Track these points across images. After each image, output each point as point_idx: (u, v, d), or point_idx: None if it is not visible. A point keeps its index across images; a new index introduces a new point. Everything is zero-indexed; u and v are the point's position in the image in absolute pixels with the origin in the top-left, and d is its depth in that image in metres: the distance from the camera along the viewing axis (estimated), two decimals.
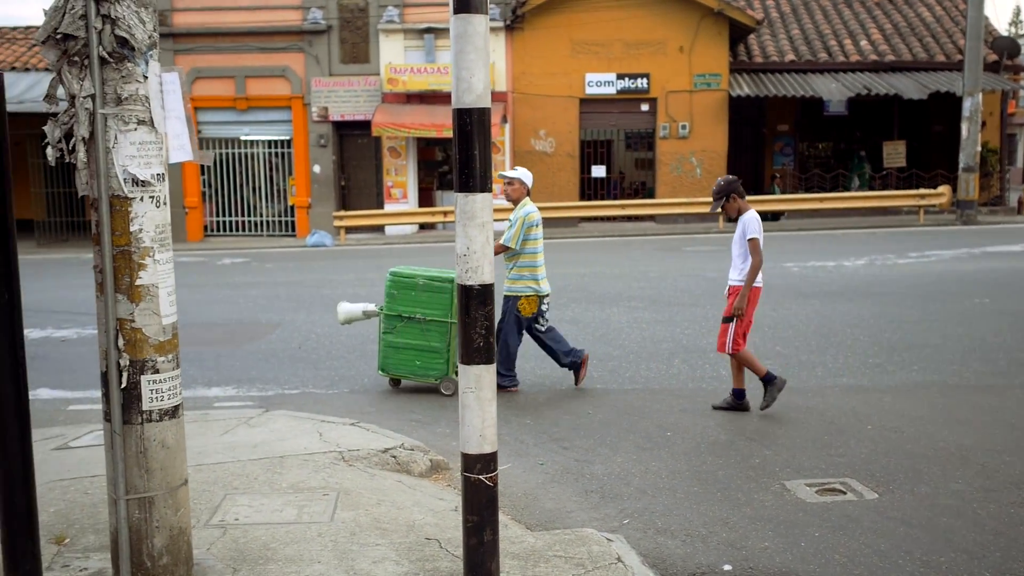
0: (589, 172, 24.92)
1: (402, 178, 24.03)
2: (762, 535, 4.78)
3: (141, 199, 3.38)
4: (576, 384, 8.22)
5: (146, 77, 3.34)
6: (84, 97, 3.26)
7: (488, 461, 3.36)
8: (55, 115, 3.39)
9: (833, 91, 23.41)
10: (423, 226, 24.29)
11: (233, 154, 24.53)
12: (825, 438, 6.45)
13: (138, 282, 3.40)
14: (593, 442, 6.52)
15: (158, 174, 3.43)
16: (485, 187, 3.24)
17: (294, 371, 9.11)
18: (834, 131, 26.70)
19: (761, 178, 26.47)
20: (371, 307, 8.51)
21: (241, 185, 24.84)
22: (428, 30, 23.41)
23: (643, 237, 22.30)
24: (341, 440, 6.12)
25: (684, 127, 24.17)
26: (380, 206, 24.36)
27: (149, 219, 3.41)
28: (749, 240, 6.97)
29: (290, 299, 13.69)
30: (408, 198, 24.07)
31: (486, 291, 3.29)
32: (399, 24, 23.58)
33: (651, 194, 25.22)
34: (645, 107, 24.31)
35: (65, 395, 8.40)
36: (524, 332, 8.21)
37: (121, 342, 3.41)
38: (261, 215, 25.22)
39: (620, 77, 23.98)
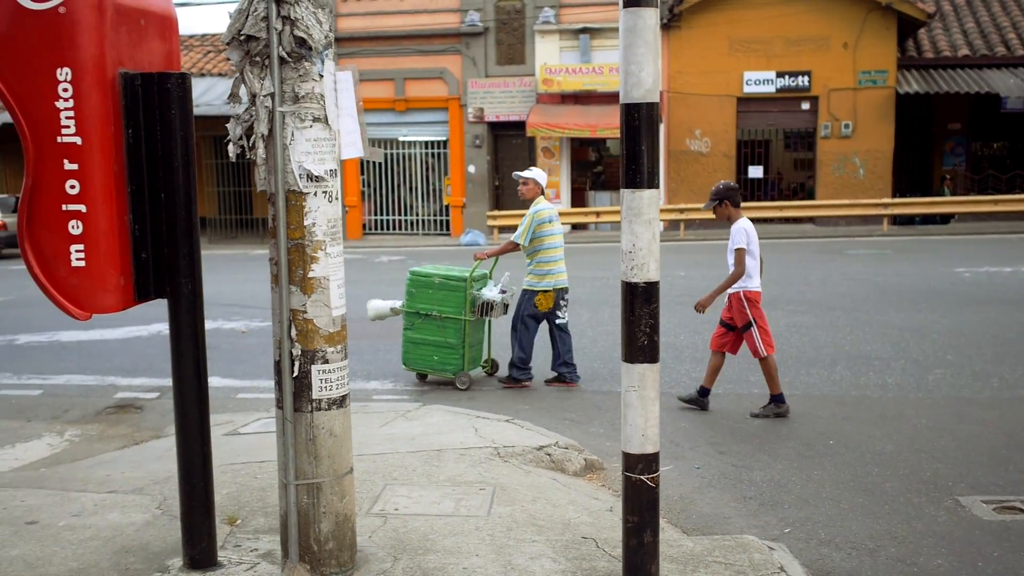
0: (745, 172, 24.36)
1: (555, 178, 24.09)
2: (935, 552, 4.54)
3: (315, 194, 3.49)
4: (547, 382, 8.50)
5: (322, 76, 3.44)
6: (264, 96, 3.39)
7: (650, 461, 3.31)
8: (233, 116, 3.54)
9: (1011, 87, 22.10)
10: (575, 226, 24.30)
11: (391, 154, 25.17)
12: (1003, 453, 6.07)
13: (310, 274, 3.51)
14: (751, 448, 6.35)
15: (331, 170, 3.53)
16: (652, 183, 3.19)
17: None
18: (1011, 129, 25.18)
19: (930, 179, 25.23)
20: (398, 304, 8.81)
21: (398, 185, 25.47)
22: (584, 30, 23.41)
23: (802, 240, 21.63)
24: (496, 436, 6.17)
25: (847, 126, 23.31)
26: None
27: (322, 213, 3.51)
28: (736, 250, 7.11)
29: None
30: (561, 198, 24.12)
31: (651, 289, 3.23)
32: (555, 25, 23.67)
33: (811, 195, 24.44)
34: (806, 105, 23.58)
35: (234, 384, 8.80)
36: (538, 325, 8.49)
37: (294, 332, 3.52)
38: (417, 214, 25.78)
39: (780, 75, 23.34)
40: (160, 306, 3.69)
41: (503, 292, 8.66)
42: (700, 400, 7.40)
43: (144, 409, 8.70)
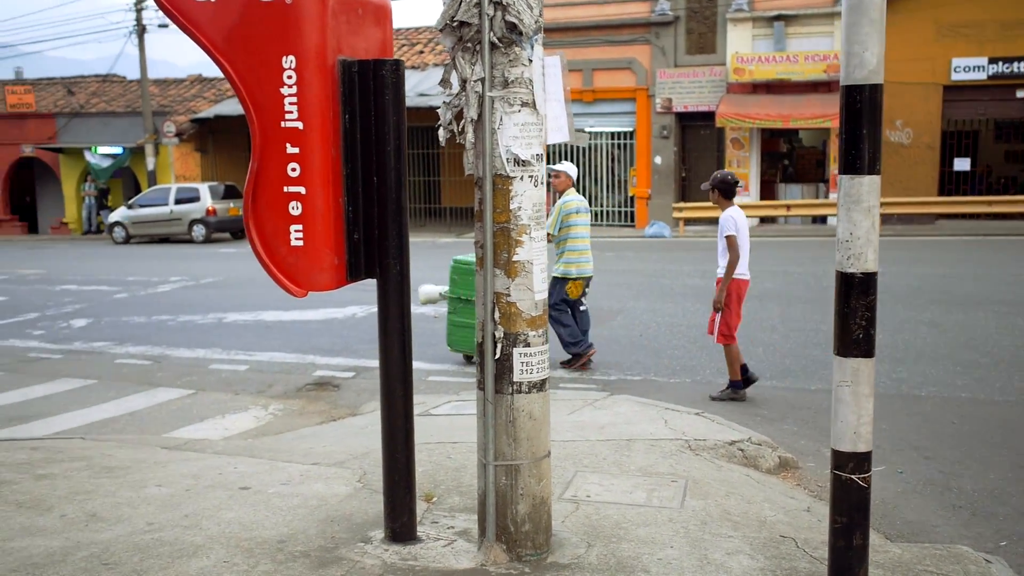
0: (950, 165, 23.01)
1: (744, 170, 23.51)
2: None
3: (521, 178, 3.51)
4: (563, 364, 8.78)
5: (531, 61, 3.46)
6: (475, 81, 3.44)
7: (861, 461, 3.15)
8: (444, 101, 3.61)
9: None
10: (763, 219, 23.64)
11: (578, 145, 25.23)
12: None
13: (515, 258, 3.54)
14: (960, 454, 5.98)
15: (537, 154, 3.55)
16: (873, 169, 3.03)
17: (636, 358, 9.19)
18: None
19: None
20: (444, 290, 9.37)
21: (583, 175, 25.49)
22: (778, 17, 22.70)
23: (1014, 237, 20.23)
24: (687, 429, 6.07)
25: None
26: None
27: (527, 198, 3.53)
28: (725, 237, 7.37)
29: (630, 287, 13.86)
30: (749, 190, 23.52)
31: (869, 280, 3.08)
32: (748, 12, 23.06)
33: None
34: (1021, 93, 22.02)
35: (425, 366, 9.03)
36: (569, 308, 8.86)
37: (497, 315, 3.56)
38: (601, 205, 25.75)
39: (992, 61, 21.89)
40: (356, 290, 3.82)
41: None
42: (739, 391, 7.54)
43: (341, 387, 9.07)
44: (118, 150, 30.20)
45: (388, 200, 3.66)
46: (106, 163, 30.01)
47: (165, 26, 30.63)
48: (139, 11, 29.73)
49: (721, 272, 7.46)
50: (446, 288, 9.33)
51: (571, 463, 5.22)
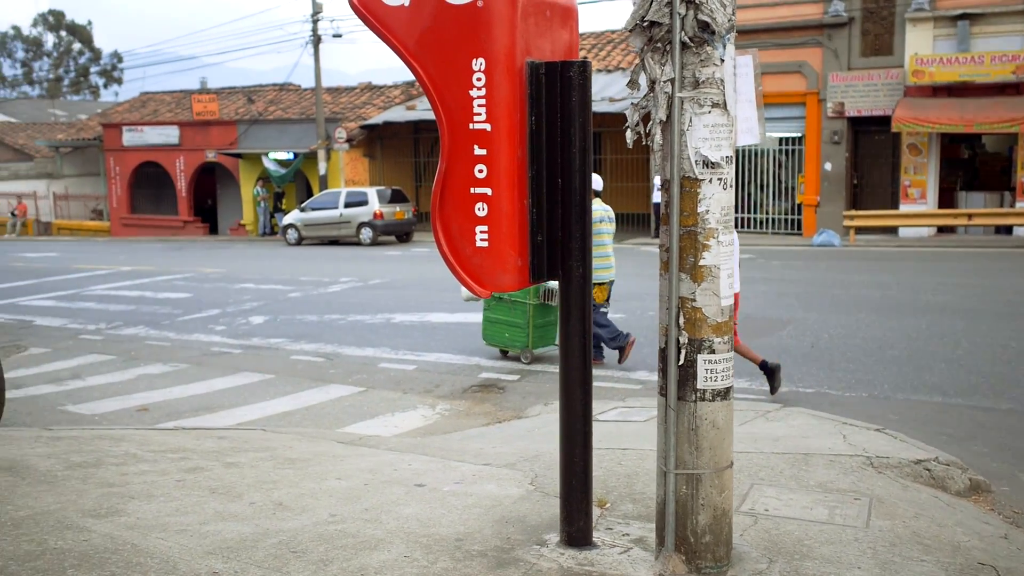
0: None
1: (921, 177, 22.45)
2: None
3: (709, 181, 3.43)
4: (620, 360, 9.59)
5: (723, 60, 3.37)
6: (664, 81, 3.38)
7: None
8: (632, 102, 3.56)
9: None
10: (941, 229, 22.50)
11: (744, 151, 24.69)
12: None
13: (701, 262, 3.45)
14: None
15: (727, 156, 3.45)
16: None
17: (807, 370, 8.90)
18: None
19: None
20: None
21: (748, 181, 24.92)
22: (962, 16, 21.57)
23: None
24: (867, 445, 5.80)
25: None
26: (894, 206, 23.01)
27: (715, 201, 3.45)
28: None
29: (799, 297, 13.43)
30: (927, 198, 22.44)
31: None
32: (929, 12, 22.01)
33: None
34: None
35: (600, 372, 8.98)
36: (598, 308, 9.44)
37: (681, 320, 3.49)
38: (767, 212, 25.10)
39: None
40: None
41: None
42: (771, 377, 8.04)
43: (506, 390, 9.15)
44: (289, 156, 31.55)
45: (572, 202, 3.64)
46: (282, 169, 31.40)
47: (339, 36, 31.82)
48: (315, 22, 30.98)
49: None
50: None
51: (746, 476, 5.07)
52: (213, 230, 36.05)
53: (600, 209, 9.35)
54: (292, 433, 6.83)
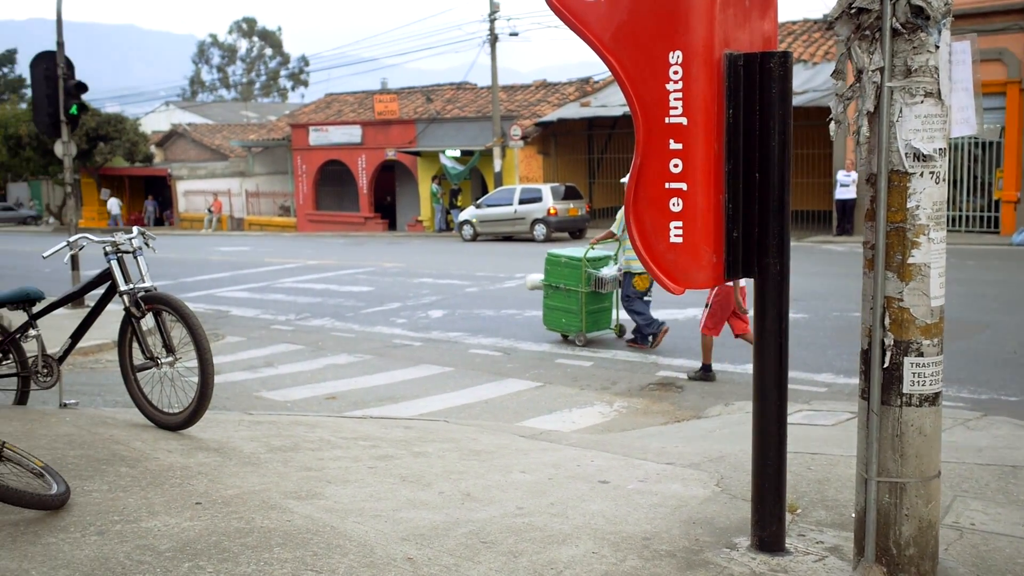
0: None
1: None
2: None
3: (920, 174, 3.25)
4: (628, 342, 10.98)
5: (937, 47, 3.19)
6: (872, 71, 3.23)
7: None
8: (835, 93, 3.42)
9: None
10: None
11: (988, 140, 23.38)
12: None
13: (909, 260, 3.28)
14: None
15: (940, 149, 3.27)
16: None
17: (1010, 376, 8.36)
18: None
19: None
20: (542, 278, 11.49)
21: None
22: None
23: None
24: None
25: None
26: None
27: (927, 195, 3.27)
28: None
29: (997, 299, 12.64)
30: None
31: None
32: None
33: None
34: None
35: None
36: (642, 296, 10.63)
37: (887, 321, 3.33)
38: (960, 209, 23.73)
39: None
40: (697, 292, 3.71)
41: (619, 271, 10.88)
42: (704, 375, 9.22)
43: (684, 389, 9.02)
44: (456, 154, 32.15)
45: (770, 197, 3.53)
46: (459, 166, 32.08)
47: (515, 35, 32.21)
48: (492, 22, 31.46)
49: None
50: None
51: (948, 487, 4.79)
52: (391, 226, 37.22)
53: None
54: (474, 425, 6.95)
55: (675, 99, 3.43)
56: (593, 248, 11.24)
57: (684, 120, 3.43)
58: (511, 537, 3.82)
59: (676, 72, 3.41)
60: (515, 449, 5.75)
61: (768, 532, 3.75)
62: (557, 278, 11.15)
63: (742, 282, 8.31)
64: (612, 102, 30.44)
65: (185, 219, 44.21)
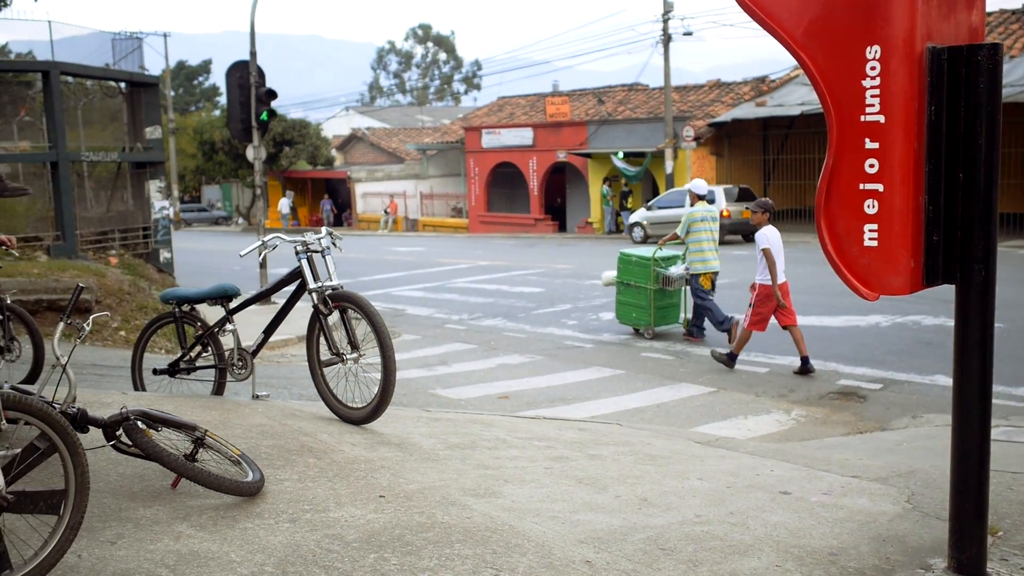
0: None
1: None
2: None
3: None
4: (684, 335, 11.95)
5: None
6: None
7: None
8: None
9: None
10: None
11: None
12: None
13: None
14: None
15: None
16: None
17: None
18: None
19: None
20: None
21: None
22: None
23: None
24: None
25: None
26: None
27: None
28: (762, 250, 9.50)
29: None
30: None
31: None
32: None
33: None
34: None
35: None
36: (709, 294, 11.46)
37: None
38: None
39: None
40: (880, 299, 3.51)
41: (686, 270, 11.54)
42: (804, 369, 9.60)
43: (867, 399, 8.65)
44: (620, 155, 31.92)
45: (975, 199, 3.32)
46: (632, 168, 31.90)
47: (689, 34, 31.75)
48: (665, 21, 31.12)
49: (759, 278, 9.72)
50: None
51: None
52: (561, 228, 37.40)
53: (702, 210, 11.52)
54: (648, 429, 6.87)
55: (872, 96, 3.27)
56: (661, 248, 12.02)
57: (881, 118, 3.27)
58: (690, 545, 3.75)
59: (873, 68, 3.26)
60: (691, 455, 5.65)
61: (967, 554, 3.53)
62: (628, 275, 11.97)
63: (782, 278, 9.58)
64: (789, 101, 29.56)
65: (362, 220, 45.84)
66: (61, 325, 3.63)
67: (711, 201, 11.96)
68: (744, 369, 9.98)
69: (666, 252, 11.96)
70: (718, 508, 4.31)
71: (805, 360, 9.56)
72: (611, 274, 12.55)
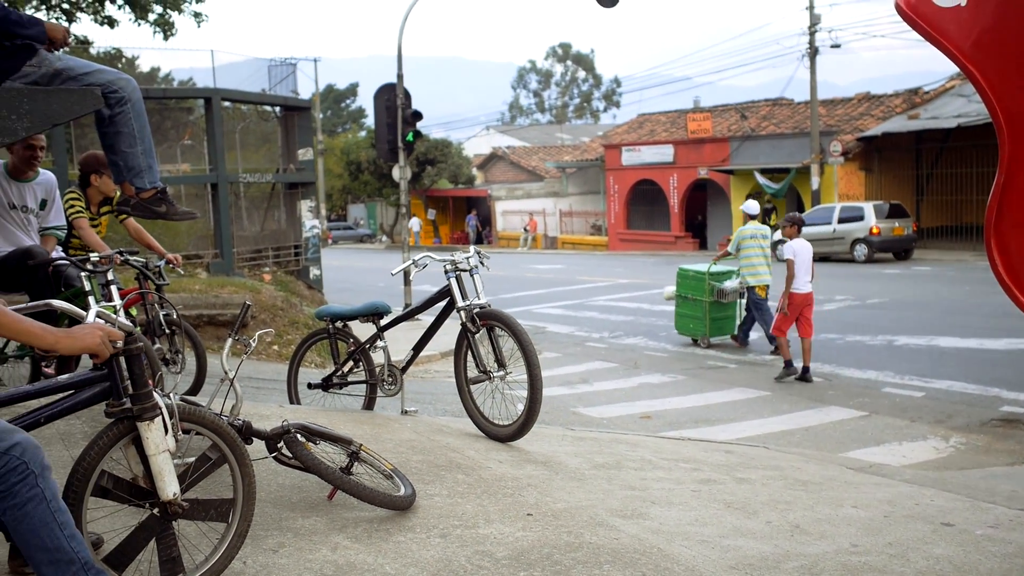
0: None
1: None
2: None
3: None
4: (732, 337, 13.07)
5: None
6: None
7: None
8: None
9: None
10: None
11: None
12: None
13: None
14: None
15: None
16: None
17: None
18: None
19: None
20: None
21: None
22: None
23: None
24: None
25: None
26: None
27: None
28: (786, 260, 10.50)
29: None
30: None
31: None
32: None
33: None
34: None
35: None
36: (765, 303, 12.13)
37: None
38: None
39: None
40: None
41: (740, 284, 12.31)
42: (802, 375, 10.31)
43: None
44: (764, 172, 31.20)
45: None
46: (774, 184, 31.19)
47: (836, 46, 30.87)
48: (812, 34, 30.37)
49: (794, 287, 10.40)
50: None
51: None
52: (702, 245, 36.86)
53: (751, 228, 12.32)
54: (796, 453, 6.69)
55: None
56: (715, 264, 13.00)
57: None
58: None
59: None
60: (844, 481, 5.47)
61: None
62: (686, 289, 12.97)
63: (807, 288, 10.40)
64: (944, 113, 28.34)
65: (502, 237, 46.35)
66: (230, 341, 3.80)
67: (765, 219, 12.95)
68: (897, 392, 9.60)
69: (720, 267, 12.96)
70: (875, 538, 4.15)
71: (806, 369, 10.35)
72: (672, 289, 13.52)
